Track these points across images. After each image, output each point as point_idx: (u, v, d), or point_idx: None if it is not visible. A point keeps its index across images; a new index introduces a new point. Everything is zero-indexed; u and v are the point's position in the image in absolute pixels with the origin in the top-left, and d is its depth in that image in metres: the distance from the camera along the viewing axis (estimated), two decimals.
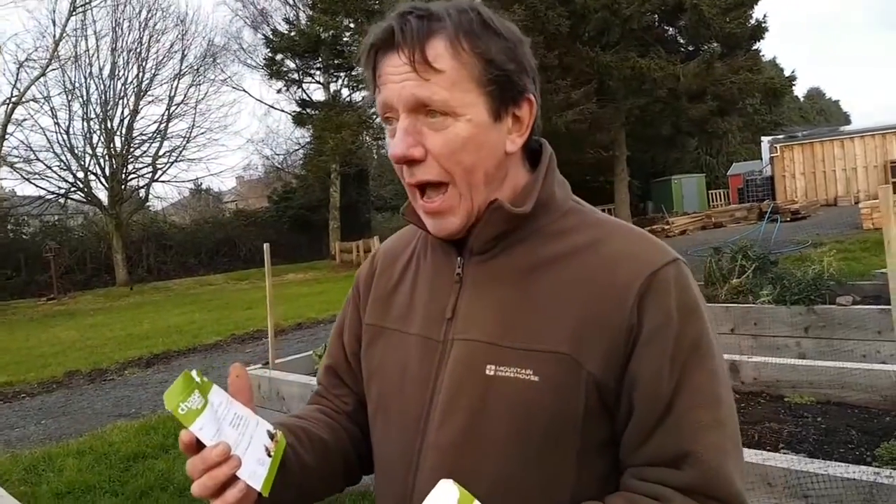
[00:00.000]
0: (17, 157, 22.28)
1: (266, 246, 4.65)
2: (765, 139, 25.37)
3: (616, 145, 21.14)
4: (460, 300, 0.86)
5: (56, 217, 25.44)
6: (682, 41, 20.99)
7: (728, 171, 29.36)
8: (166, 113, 25.12)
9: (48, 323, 14.47)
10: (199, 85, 26.28)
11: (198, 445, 0.73)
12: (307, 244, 27.45)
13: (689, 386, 0.76)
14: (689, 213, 24.31)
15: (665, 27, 20.56)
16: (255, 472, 0.75)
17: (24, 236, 23.92)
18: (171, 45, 25.52)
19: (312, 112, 26.17)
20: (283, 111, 32.91)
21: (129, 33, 24.17)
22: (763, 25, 19.22)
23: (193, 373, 0.75)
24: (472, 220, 0.83)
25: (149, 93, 24.84)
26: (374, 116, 21.11)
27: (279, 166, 31.04)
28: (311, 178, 26.61)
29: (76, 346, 10.52)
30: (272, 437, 0.80)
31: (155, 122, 25.81)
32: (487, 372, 0.80)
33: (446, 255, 0.90)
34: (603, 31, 18.33)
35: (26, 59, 21.94)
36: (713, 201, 27.27)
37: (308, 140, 27.48)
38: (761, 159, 25.95)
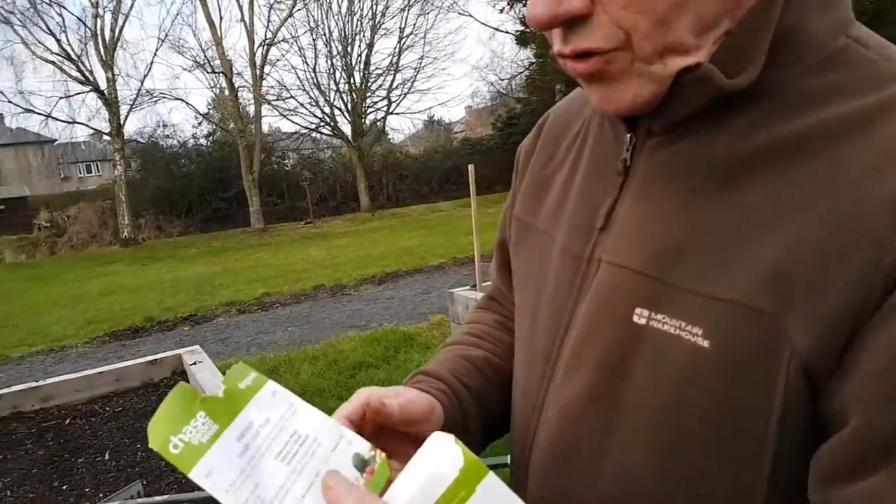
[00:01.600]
0: (273, 95, 25.32)
1: (471, 167, 4.63)
2: None
3: None
4: (620, 202, 0.55)
5: (310, 150, 28.62)
6: None
7: None
8: (398, 45, 26.37)
9: (304, 243, 16.39)
10: (427, 14, 26.99)
11: None
12: None
13: None
14: None
15: None
16: None
17: (286, 167, 27.36)
18: None
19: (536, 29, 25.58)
20: (507, 32, 32.69)
21: None
22: None
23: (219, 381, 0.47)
24: (664, 89, 0.48)
25: (382, 26, 26.21)
26: None
27: (503, 91, 31.04)
28: (533, 101, 26.12)
29: (323, 263, 11.71)
30: (365, 463, 0.48)
31: (388, 55, 27.30)
32: (636, 319, 0.50)
33: (615, 133, 0.59)
34: None
35: (276, 1, 24.44)
36: None
37: (532, 61, 26.92)
38: None
